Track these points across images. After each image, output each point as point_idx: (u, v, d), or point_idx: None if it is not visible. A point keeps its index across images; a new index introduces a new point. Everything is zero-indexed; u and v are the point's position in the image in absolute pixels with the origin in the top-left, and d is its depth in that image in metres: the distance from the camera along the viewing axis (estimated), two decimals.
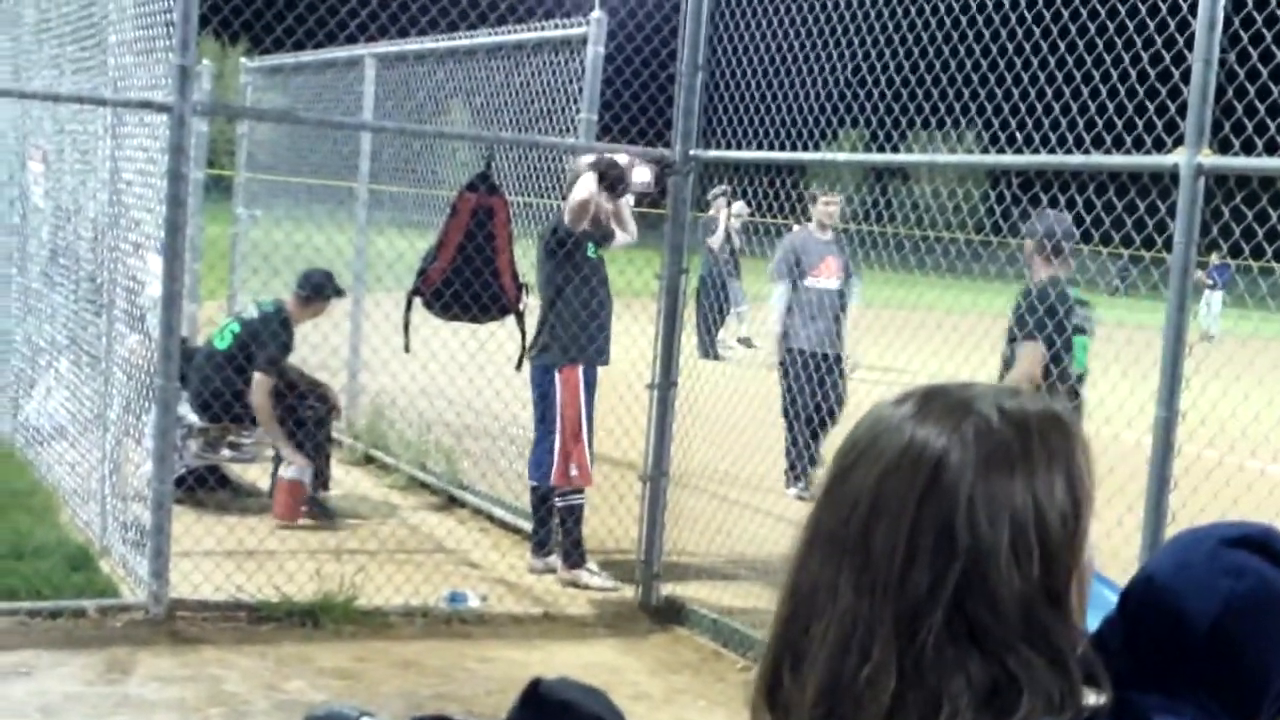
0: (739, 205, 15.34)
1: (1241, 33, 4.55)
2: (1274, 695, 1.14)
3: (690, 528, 6.94)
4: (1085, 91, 5.17)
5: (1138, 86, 4.93)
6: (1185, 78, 4.44)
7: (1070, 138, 5.07)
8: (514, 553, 7.28)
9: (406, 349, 6.88)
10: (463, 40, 8.60)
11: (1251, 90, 4.52)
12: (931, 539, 1.10)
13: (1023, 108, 5.34)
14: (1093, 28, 5.13)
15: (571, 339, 6.74)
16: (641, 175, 6.64)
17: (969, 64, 5.55)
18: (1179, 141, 4.48)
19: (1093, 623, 1.19)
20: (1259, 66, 4.48)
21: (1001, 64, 5.40)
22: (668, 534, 6.78)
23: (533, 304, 6.89)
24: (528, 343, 6.86)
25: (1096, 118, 5.06)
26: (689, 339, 7.22)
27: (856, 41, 6.13)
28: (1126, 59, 5.00)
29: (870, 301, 9.51)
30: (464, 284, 6.59)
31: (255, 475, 8.06)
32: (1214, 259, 23.13)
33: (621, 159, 6.66)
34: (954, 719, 1.07)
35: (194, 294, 10.16)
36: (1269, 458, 5.47)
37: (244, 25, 8.15)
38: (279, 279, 8.49)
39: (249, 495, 7.91)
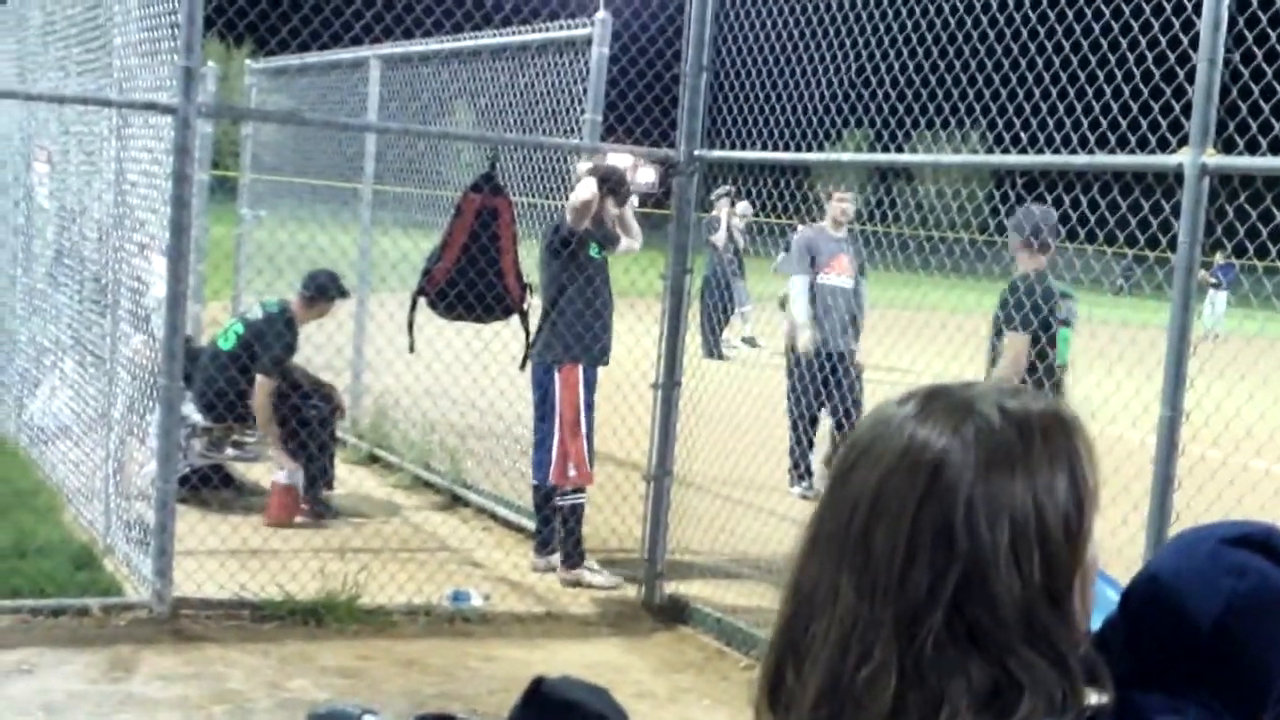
0: (743, 205, 15.35)
1: (1246, 32, 4.55)
2: (1276, 694, 1.14)
3: (694, 526, 6.94)
4: (1090, 91, 5.17)
5: (1142, 86, 4.92)
6: (1190, 77, 4.44)
7: (1075, 137, 5.06)
8: (517, 552, 7.29)
9: (411, 349, 6.89)
10: (467, 41, 8.60)
11: (1256, 90, 4.52)
12: (931, 540, 1.10)
13: (1027, 108, 5.33)
14: (1097, 27, 5.12)
15: (575, 338, 6.75)
16: (645, 176, 6.65)
17: (974, 64, 5.55)
18: (1183, 141, 4.47)
19: (1095, 622, 1.19)
20: (1263, 66, 4.47)
21: (1006, 64, 5.39)
22: (671, 533, 6.78)
23: (536, 304, 6.90)
24: (531, 342, 6.88)
25: (1101, 117, 5.05)
26: (693, 338, 7.22)
27: (861, 42, 6.13)
28: (1131, 59, 4.99)
29: (875, 302, 9.50)
30: (468, 284, 6.60)
31: (259, 474, 8.07)
32: (1218, 259, 23.09)
33: (625, 160, 6.66)
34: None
35: (198, 295, 10.18)
36: (1273, 457, 5.46)
37: (249, 27, 8.15)
38: (283, 280, 8.50)
39: (253, 494, 7.91)
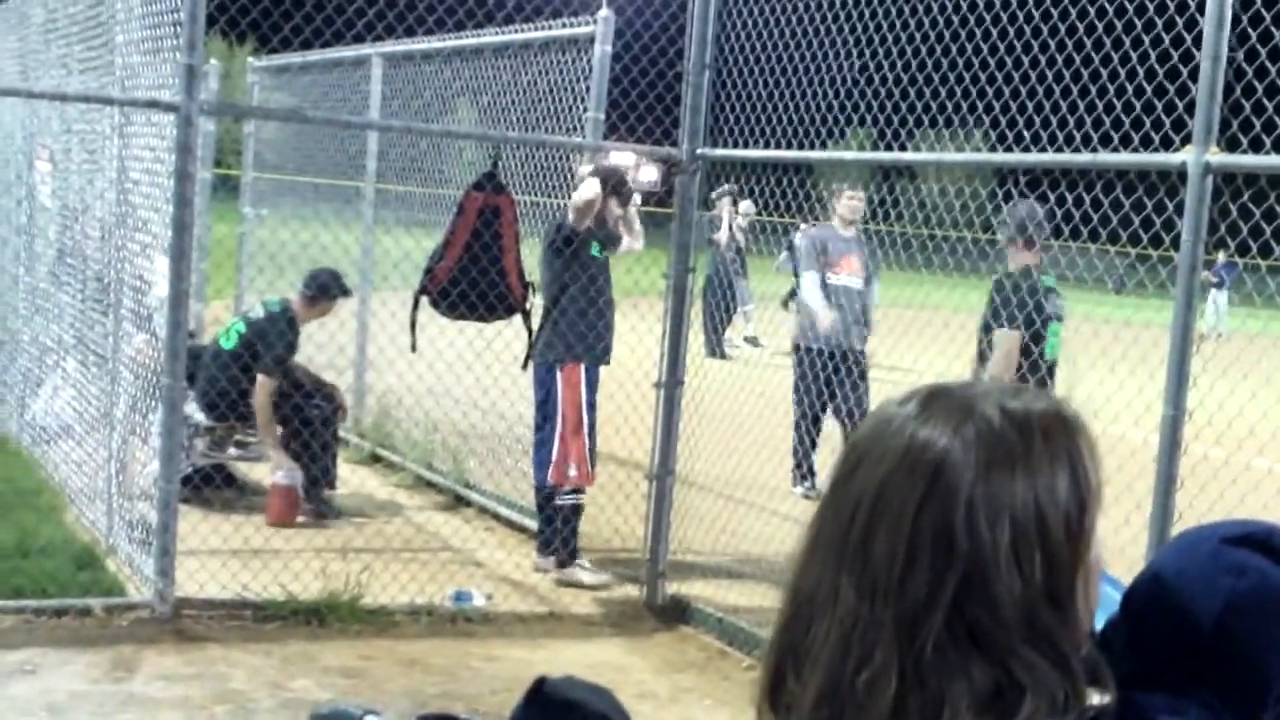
0: (746, 205, 15.35)
1: (1250, 30, 4.54)
2: (1277, 693, 1.14)
3: (696, 526, 6.94)
4: (1093, 89, 5.16)
5: (1145, 84, 4.91)
6: (1193, 76, 4.43)
7: (1078, 136, 5.06)
8: (519, 552, 7.29)
9: (413, 348, 6.89)
10: (470, 39, 8.61)
11: (1259, 88, 4.51)
12: (931, 541, 1.09)
13: (1030, 106, 5.32)
14: (1100, 25, 5.11)
15: (577, 337, 6.75)
16: (648, 174, 6.65)
17: (976, 62, 5.54)
18: (1187, 140, 4.47)
19: (1098, 622, 1.19)
20: (1267, 64, 4.46)
21: (1009, 62, 5.38)
22: (674, 532, 6.78)
23: (538, 303, 6.90)
24: (533, 341, 6.87)
25: (1104, 116, 5.04)
26: (696, 338, 7.21)
27: (864, 40, 6.12)
28: (1134, 57, 4.98)
29: (877, 300, 9.51)
30: (470, 283, 6.60)
31: (261, 474, 8.06)
32: (1221, 257, 23.07)
33: (627, 159, 6.66)
34: None
35: (200, 293, 10.18)
36: (1276, 457, 5.46)
37: (251, 25, 8.16)
38: (285, 278, 8.50)
39: (255, 494, 7.91)
